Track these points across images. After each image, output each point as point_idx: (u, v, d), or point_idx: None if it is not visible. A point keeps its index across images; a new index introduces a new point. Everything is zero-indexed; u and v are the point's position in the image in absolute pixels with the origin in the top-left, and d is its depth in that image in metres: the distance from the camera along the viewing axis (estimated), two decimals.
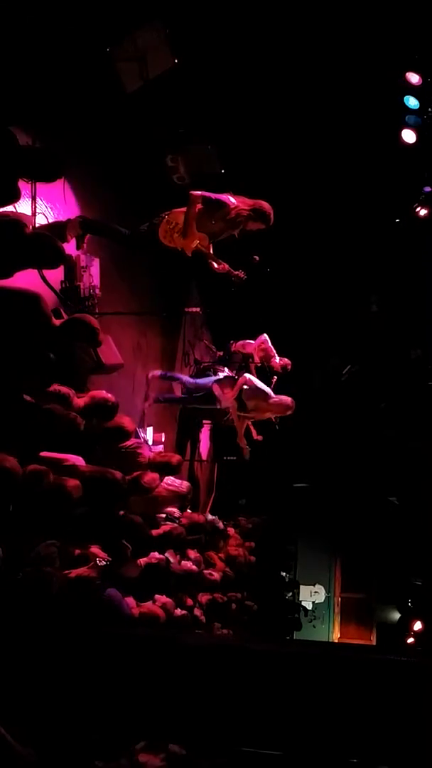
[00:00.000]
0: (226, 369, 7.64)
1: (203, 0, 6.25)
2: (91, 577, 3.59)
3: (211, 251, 5.23)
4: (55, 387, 3.67)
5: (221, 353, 8.70)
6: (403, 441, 10.84)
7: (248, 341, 8.08)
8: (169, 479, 5.08)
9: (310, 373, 10.27)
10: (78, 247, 5.03)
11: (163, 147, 7.17)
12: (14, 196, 3.55)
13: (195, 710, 2.84)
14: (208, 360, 8.71)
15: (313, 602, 14.26)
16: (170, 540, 5.17)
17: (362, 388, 10.87)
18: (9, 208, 3.63)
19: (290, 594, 13.20)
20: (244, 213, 4.99)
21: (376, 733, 2.79)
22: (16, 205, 3.71)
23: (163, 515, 5.37)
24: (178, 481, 5.19)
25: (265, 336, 7.80)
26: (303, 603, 13.80)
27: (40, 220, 4.52)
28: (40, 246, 3.55)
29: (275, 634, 11.30)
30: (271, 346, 7.78)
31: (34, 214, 4.37)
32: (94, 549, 3.83)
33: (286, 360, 7.80)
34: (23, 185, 3.85)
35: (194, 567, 5.78)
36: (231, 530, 8.88)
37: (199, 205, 4.94)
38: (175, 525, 5.37)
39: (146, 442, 6.24)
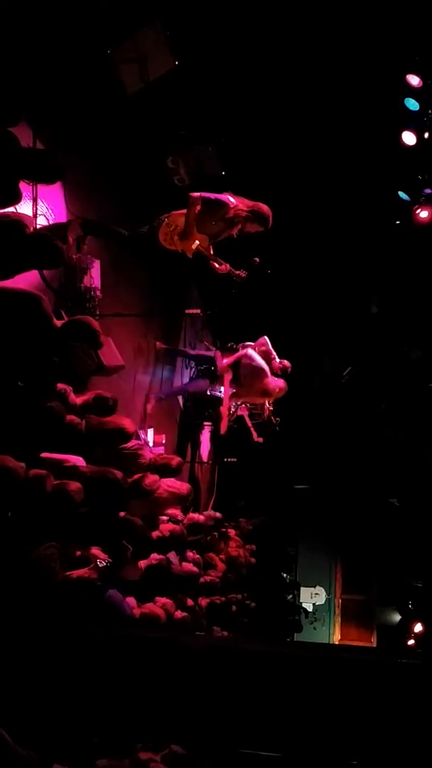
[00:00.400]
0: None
1: (203, 1, 6.26)
2: (92, 578, 3.59)
3: (211, 252, 5.24)
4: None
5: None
6: (404, 442, 10.83)
7: (248, 343, 8.08)
8: (170, 481, 5.08)
9: (310, 375, 10.26)
10: (78, 249, 5.03)
11: (163, 148, 7.18)
12: (15, 198, 3.56)
13: (195, 711, 2.84)
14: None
15: (313, 604, 14.25)
16: (171, 541, 5.17)
17: (362, 389, 10.86)
18: (9, 209, 3.63)
19: (291, 596, 13.19)
20: (242, 213, 5.00)
21: (376, 735, 2.79)
22: (17, 206, 3.72)
23: (165, 517, 5.37)
24: (178, 483, 5.19)
25: (266, 338, 7.80)
26: (303, 605, 13.79)
27: (41, 222, 4.52)
28: (41, 247, 3.56)
29: (275, 636, 11.29)
30: (272, 348, 7.78)
31: (35, 215, 4.37)
32: (95, 550, 3.83)
33: (286, 362, 7.80)
34: (24, 187, 3.86)
35: (195, 568, 5.78)
36: (231, 531, 8.88)
37: (199, 207, 4.94)
38: (176, 526, 5.37)
39: (147, 443, 6.25)
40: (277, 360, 7.74)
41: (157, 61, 5.84)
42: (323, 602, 14.38)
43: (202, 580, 6.40)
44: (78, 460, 3.85)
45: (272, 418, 7.95)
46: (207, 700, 2.84)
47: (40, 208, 4.46)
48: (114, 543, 4.11)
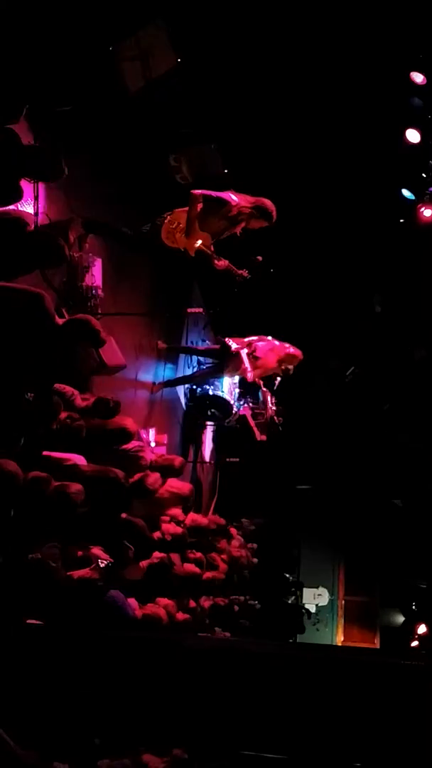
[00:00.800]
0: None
1: None
2: (94, 578, 3.58)
3: (212, 249, 5.22)
4: (60, 386, 3.66)
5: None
6: (408, 443, 10.80)
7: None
8: (172, 481, 5.07)
9: (313, 375, 10.23)
10: (80, 248, 5.02)
11: (165, 146, 7.16)
12: (17, 196, 3.54)
13: (197, 713, 2.82)
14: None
15: (316, 605, 14.21)
16: (172, 542, 5.15)
17: (366, 389, 10.83)
18: (10, 207, 3.61)
19: (293, 597, 13.16)
20: (246, 210, 4.99)
21: (379, 737, 2.77)
22: (18, 204, 3.70)
23: (167, 517, 5.35)
24: (180, 483, 5.18)
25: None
26: (306, 606, 13.75)
27: (43, 220, 4.51)
28: (42, 245, 3.54)
29: (278, 638, 11.27)
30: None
31: (36, 213, 4.35)
32: (96, 551, 3.81)
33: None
34: (26, 185, 3.84)
35: (196, 569, 5.75)
36: (233, 531, 8.86)
37: (201, 204, 4.93)
38: (177, 528, 5.34)
39: (148, 443, 6.23)
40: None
41: (159, 59, 5.83)
42: (326, 603, 14.34)
43: (204, 577, 6.38)
44: (79, 459, 3.84)
45: (275, 417, 7.92)
46: (209, 701, 2.82)
47: (41, 206, 4.44)
48: (115, 543, 4.09)
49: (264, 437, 7.67)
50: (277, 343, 7.09)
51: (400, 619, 13.64)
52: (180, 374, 8.08)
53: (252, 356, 7.00)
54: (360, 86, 7.07)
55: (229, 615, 7.25)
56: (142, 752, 3.25)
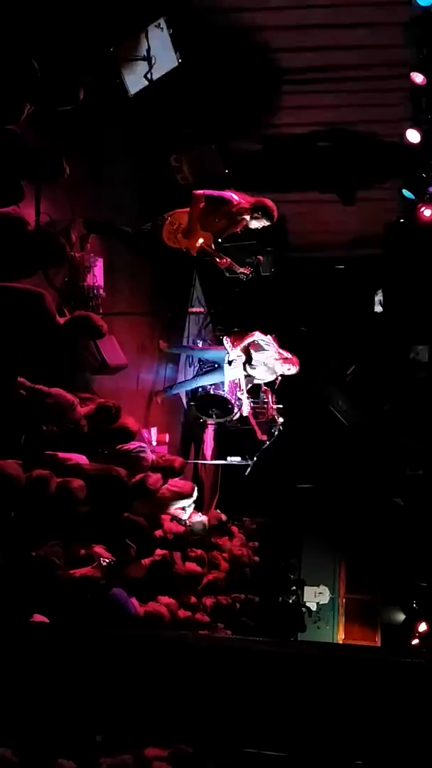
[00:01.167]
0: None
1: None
2: (96, 576, 3.59)
3: (213, 248, 5.24)
4: (61, 393, 3.62)
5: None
6: (408, 441, 10.80)
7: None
8: (173, 480, 5.08)
9: (313, 374, 10.24)
10: (82, 248, 5.03)
11: (166, 147, 7.17)
12: (18, 196, 3.55)
13: (198, 711, 2.83)
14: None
15: (317, 603, 14.20)
16: (174, 540, 5.17)
17: (366, 388, 10.83)
18: (11, 208, 3.62)
19: (294, 595, 13.17)
20: (246, 209, 5.00)
21: (380, 735, 2.78)
22: (19, 205, 3.71)
23: (169, 516, 5.37)
24: (181, 482, 5.19)
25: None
26: (307, 604, 13.76)
27: (44, 220, 4.52)
28: (43, 245, 3.56)
29: (279, 636, 11.27)
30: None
31: (37, 213, 4.36)
32: (98, 549, 3.83)
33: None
34: (27, 185, 3.85)
35: (198, 567, 5.77)
36: (235, 529, 8.87)
37: (202, 204, 4.94)
38: (179, 526, 5.36)
39: (150, 442, 6.24)
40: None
41: (161, 60, 5.84)
42: (327, 601, 14.34)
43: (205, 579, 6.39)
44: (80, 458, 3.85)
45: (276, 417, 7.93)
46: (210, 699, 2.83)
47: (42, 206, 4.45)
48: (117, 542, 4.10)
49: (265, 437, 7.67)
50: (275, 346, 7.00)
51: (402, 617, 13.63)
52: (181, 374, 8.10)
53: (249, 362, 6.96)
54: (360, 85, 7.07)
55: (231, 613, 7.26)
56: (145, 748, 3.28)
